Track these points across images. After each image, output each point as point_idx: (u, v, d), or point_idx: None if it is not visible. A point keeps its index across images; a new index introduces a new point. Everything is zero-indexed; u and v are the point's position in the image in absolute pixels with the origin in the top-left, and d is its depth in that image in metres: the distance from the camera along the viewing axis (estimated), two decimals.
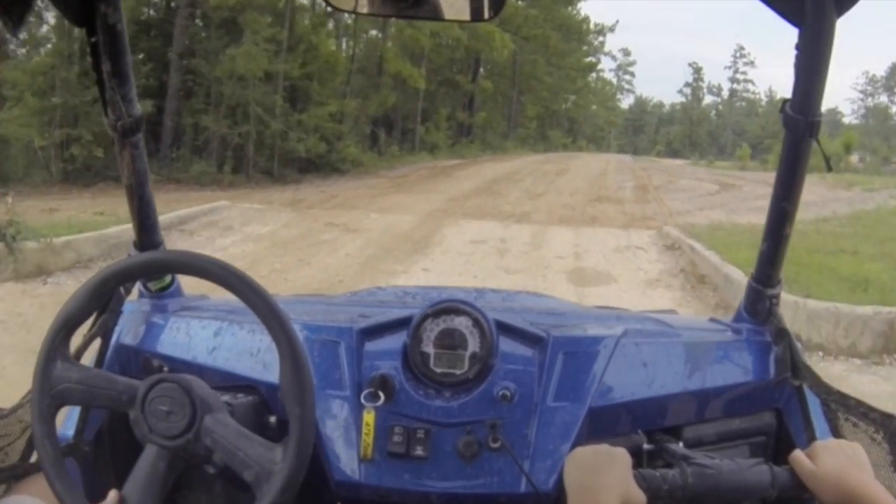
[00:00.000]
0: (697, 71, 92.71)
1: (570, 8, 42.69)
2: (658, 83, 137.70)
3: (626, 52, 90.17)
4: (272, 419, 1.19)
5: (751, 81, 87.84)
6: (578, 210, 13.17)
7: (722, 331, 1.35)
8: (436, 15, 1.10)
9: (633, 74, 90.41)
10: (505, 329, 1.21)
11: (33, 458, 1.18)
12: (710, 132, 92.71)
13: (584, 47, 48.32)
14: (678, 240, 9.11)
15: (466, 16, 1.09)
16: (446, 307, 1.20)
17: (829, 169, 1.23)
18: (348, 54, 22.64)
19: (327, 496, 1.17)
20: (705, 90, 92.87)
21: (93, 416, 1.28)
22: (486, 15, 1.09)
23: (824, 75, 1.02)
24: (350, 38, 24.25)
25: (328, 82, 20.08)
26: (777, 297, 1.26)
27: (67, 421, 1.27)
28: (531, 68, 41.54)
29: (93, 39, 1.10)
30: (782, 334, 1.24)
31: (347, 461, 1.13)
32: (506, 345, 1.20)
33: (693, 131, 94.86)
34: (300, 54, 18.73)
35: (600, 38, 47.84)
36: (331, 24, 22.58)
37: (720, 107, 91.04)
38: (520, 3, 32.44)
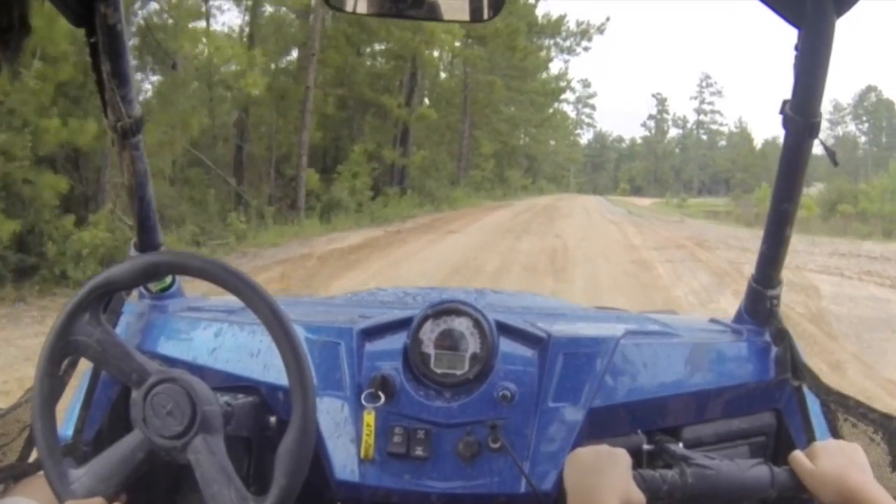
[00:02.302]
0: (662, 102, 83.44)
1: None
2: (617, 117, 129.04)
3: (586, 84, 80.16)
4: (272, 419, 1.19)
5: (718, 112, 78.70)
6: None
7: (722, 331, 1.36)
8: (435, 15, 1.12)
9: (593, 107, 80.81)
10: (505, 330, 1.23)
11: (31, 458, 1.18)
12: (672, 166, 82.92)
13: (553, 64, 36.66)
14: None
15: (466, 16, 1.11)
16: (447, 308, 1.21)
17: (835, 164, 1.19)
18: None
19: (327, 496, 1.17)
20: (670, 122, 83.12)
21: (92, 417, 1.28)
22: (486, 15, 1.10)
23: (824, 76, 1.05)
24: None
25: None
26: (777, 298, 1.27)
27: (67, 421, 1.26)
28: (486, 95, 30.25)
29: (92, 40, 1.10)
30: (782, 335, 1.25)
31: (348, 462, 1.14)
32: (506, 345, 1.21)
33: (657, 167, 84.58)
34: None
35: (584, 44, 35.62)
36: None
37: (686, 140, 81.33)
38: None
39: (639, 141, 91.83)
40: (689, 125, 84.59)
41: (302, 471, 0.96)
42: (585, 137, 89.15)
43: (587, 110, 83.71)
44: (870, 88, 75.60)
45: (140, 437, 1.00)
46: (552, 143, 60.57)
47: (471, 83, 32.28)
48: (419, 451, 1.12)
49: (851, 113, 76.92)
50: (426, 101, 29.04)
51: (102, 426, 1.29)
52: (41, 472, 1.06)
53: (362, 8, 1.09)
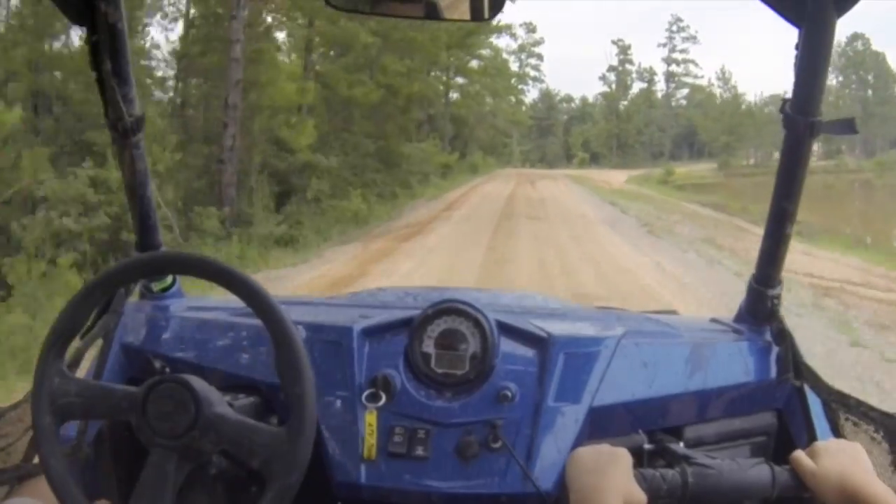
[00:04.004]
0: (624, 50, 63.27)
1: None
2: (568, 70, 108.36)
3: (531, 28, 59.46)
4: (273, 420, 1.22)
5: (692, 62, 59.47)
6: None
7: (723, 331, 1.40)
8: (435, 14, 1.15)
9: (540, 57, 60.16)
10: (506, 329, 1.26)
11: (36, 459, 1.20)
12: (636, 128, 63.20)
13: None
14: None
15: (466, 15, 1.14)
16: (447, 308, 1.24)
17: (855, 131, 1.17)
18: None
19: (328, 497, 1.20)
20: (634, 75, 63.15)
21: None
22: (486, 14, 1.13)
23: (824, 75, 1.10)
24: None
25: None
26: (778, 297, 1.30)
27: (69, 423, 1.30)
28: None
29: (93, 39, 1.14)
30: (783, 334, 1.28)
31: (349, 462, 1.17)
32: (506, 345, 1.24)
33: (621, 130, 63.89)
34: None
35: None
36: None
37: (651, 96, 61.81)
38: None
39: (591, 100, 73.40)
40: (657, 78, 66.31)
41: (308, 375, 0.98)
42: (531, 96, 70.05)
43: (533, 61, 64.61)
44: (856, 36, 59.55)
45: (160, 451, 1.00)
46: (489, 100, 41.87)
47: None
48: (419, 451, 1.14)
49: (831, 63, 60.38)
50: None
51: (102, 427, 1.29)
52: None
53: (362, 7, 1.12)
